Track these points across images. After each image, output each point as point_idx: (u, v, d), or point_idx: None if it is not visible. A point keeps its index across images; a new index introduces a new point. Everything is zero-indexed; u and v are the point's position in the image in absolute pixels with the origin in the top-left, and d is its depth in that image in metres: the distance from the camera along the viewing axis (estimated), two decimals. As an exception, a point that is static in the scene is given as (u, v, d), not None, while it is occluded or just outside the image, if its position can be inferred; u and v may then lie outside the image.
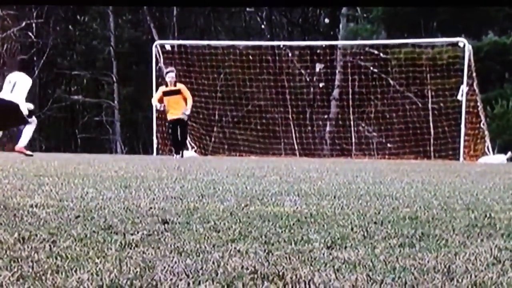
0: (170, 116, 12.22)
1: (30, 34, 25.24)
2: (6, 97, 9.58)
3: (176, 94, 12.09)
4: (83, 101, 26.93)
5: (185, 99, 12.11)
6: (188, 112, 12.18)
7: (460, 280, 1.62)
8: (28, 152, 10.57)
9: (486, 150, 14.74)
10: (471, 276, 1.65)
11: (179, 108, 12.05)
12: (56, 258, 1.78)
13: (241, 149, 16.24)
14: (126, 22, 27.38)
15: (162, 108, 12.29)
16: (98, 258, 1.79)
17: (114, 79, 25.95)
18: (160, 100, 12.21)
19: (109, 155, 19.55)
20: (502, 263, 1.82)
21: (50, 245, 1.98)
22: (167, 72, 12.41)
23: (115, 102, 25.89)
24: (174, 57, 17.21)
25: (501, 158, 14.13)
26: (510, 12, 19.78)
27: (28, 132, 10.37)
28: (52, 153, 16.33)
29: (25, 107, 9.76)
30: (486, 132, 15.04)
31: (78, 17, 26.80)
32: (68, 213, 2.75)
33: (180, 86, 12.31)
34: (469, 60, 15.11)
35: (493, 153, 14.83)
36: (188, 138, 16.37)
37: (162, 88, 12.29)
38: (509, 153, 14.30)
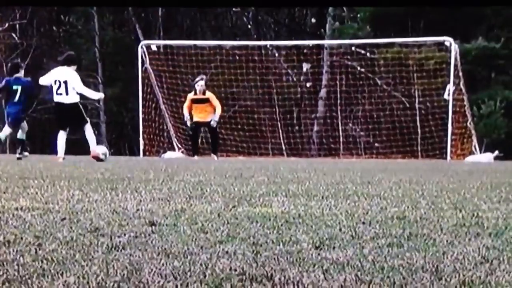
0: (195, 118, 12.28)
1: (14, 35, 25.03)
2: (64, 100, 9.51)
3: (204, 103, 12.22)
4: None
5: (213, 108, 12.15)
6: (216, 119, 12.28)
7: (448, 280, 1.62)
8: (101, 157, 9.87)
9: (473, 149, 14.86)
10: (459, 275, 1.65)
11: (206, 114, 12.11)
12: (42, 262, 1.76)
13: (228, 149, 16.22)
14: (111, 22, 27.26)
15: (189, 118, 12.35)
16: (84, 261, 1.77)
17: (100, 80, 25.82)
18: (190, 108, 12.24)
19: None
20: (490, 262, 1.83)
21: (35, 248, 1.96)
22: (197, 80, 12.49)
23: (101, 103, 25.77)
24: (160, 58, 17.16)
25: (488, 157, 14.23)
26: (496, 10, 19.95)
27: (91, 135, 9.95)
28: (37, 155, 16.21)
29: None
30: (473, 131, 15.16)
31: (62, 17, 26.63)
32: (54, 215, 2.72)
33: (209, 94, 12.45)
34: (456, 59, 15.21)
35: (480, 152, 14.95)
36: (175, 140, 16.33)
37: (191, 96, 12.41)
38: (496, 152, 14.42)
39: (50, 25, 27.25)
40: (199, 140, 13.71)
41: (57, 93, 9.57)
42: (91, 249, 1.96)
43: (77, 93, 9.62)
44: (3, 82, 11.08)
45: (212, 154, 12.58)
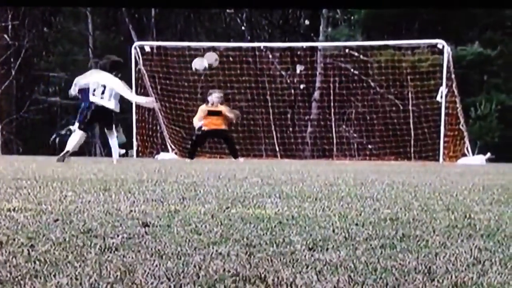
0: (205, 127, 12.22)
1: (6, 36, 24.93)
2: (105, 104, 9.55)
3: (217, 115, 12.21)
4: (61, 103, 26.69)
5: (225, 119, 12.16)
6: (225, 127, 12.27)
7: (440, 281, 1.63)
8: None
9: (466, 151, 14.92)
10: (451, 277, 1.66)
11: (218, 123, 12.12)
12: (35, 263, 1.76)
13: (222, 151, 16.22)
14: (105, 23, 27.19)
15: (200, 126, 12.29)
16: (77, 262, 1.76)
17: (93, 80, 25.74)
18: (200, 119, 12.21)
19: (88, 157, 19.39)
20: (482, 264, 1.84)
21: (28, 250, 1.95)
22: (213, 92, 12.46)
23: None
24: (153, 59, 17.14)
25: (481, 159, 14.29)
26: (489, 12, 20.05)
27: (115, 144, 9.96)
28: (30, 156, 16.14)
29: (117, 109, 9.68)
30: (466, 133, 15.23)
31: (55, 18, 26.54)
32: (47, 216, 2.72)
33: (221, 108, 12.38)
34: (448, 62, 15.28)
35: (473, 154, 15.01)
36: (169, 141, 16.31)
37: (204, 107, 12.34)
38: (488, 154, 14.48)
39: (43, 26, 27.15)
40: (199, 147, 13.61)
41: (94, 94, 9.59)
42: (84, 250, 1.95)
43: (117, 101, 9.67)
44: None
45: (237, 159, 12.35)
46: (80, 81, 10.00)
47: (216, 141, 14.88)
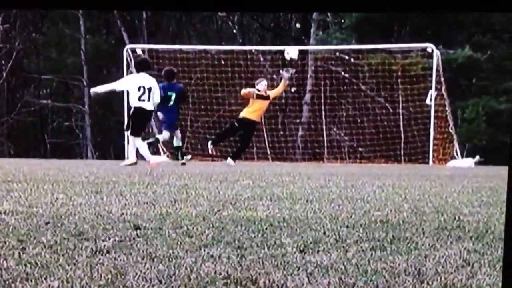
0: (244, 114, 11.96)
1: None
2: (146, 106, 9.46)
3: (266, 100, 12.15)
4: (52, 106, 26.57)
5: (264, 109, 12.17)
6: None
7: (430, 283, 1.64)
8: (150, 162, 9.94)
9: (455, 153, 15.00)
10: (441, 279, 1.68)
11: (259, 112, 11.98)
12: (26, 266, 1.75)
13: (213, 154, 16.19)
14: (97, 25, 27.12)
15: (251, 92, 12.02)
16: (68, 265, 1.76)
17: (85, 83, 25.67)
18: (250, 94, 11.90)
19: (80, 160, 19.30)
20: (471, 265, 1.85)
21: (19, 252, 1.95)
22: (259, 82, 12.42)
23: (86, 106, 25.61)
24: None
25: (470, 161, 14.37)
26: (478, 16, 20.20)
27: (142, 147, 9.85)
28: (21, 159, 16.04)
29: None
30: (455, 136, 15.32)
31: (47, 20, 26.44)
32: (38, 219, 2.71)
33: (269, 93, 12.37)
34: (438, 65, 15.38)
35: (462, 157, 15.09)
36: (161, 143, 16.26)
37: (255, 90, 12.26)
38: (477, 157, 14.56)
39: (35, 28, 27.03)
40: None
41: (139, 99, 9.48)
42: (75, 253, 1.95)
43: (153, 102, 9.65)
44: (160, 88, 11.40)
45: (230, 159, 12.07)
46: (122, 86, 9.86)
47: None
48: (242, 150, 12.76)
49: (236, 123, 12.25)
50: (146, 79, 9.53)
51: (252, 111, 11.98)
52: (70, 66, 26.26)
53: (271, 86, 13.94)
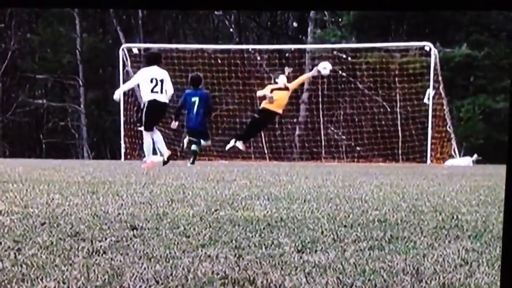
0: (264, 104, 11.94)
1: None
2: (160, 98, 9.33)
3: (285, 90, 12.10)
4: (48, 106, 26.53)
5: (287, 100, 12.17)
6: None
7: (428, 282, 1.63)
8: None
9: (453, 152, 15.02)
10: (439, 278, 1.67)
11: (279, 102, 11.93)
12: (22, 266, 1.74)
13: (210, 153, 16.20)
14: (92, 24, 27.08)
15: (271, 95, 12.06)
16: (64, 266, 1.75)
17: (80, 82, 25.64)
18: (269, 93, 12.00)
19: (76, 160, 19.28)
20: (470, 264, 1.85)
21: (15, 253, 1.93)
22: (280, 75, 12.44)
23: (81, 106, 25.57)
24: (141, 61, 17.08)
25: (467, 160, 14.39)
26: (474, 15, 20.23)
27: (160, 144, 9.78)
28: (16, 159, 16.01)
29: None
30: (453, 135, 15.34)
31: (42, 20, 26.40)
32: (34, 220, 2.69)
33: (288, 85, 12.33)
34: (435, 64, 15.39)
35: (460, 156, 15.11)
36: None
37: (270, 86, 12.25)
38: (475, 156, 14.58)
39: (30, 27, 26.99)
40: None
41: (152, 91, 9.35)
42: (72, 253, 1.94)
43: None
44: (183, 95, 11.28)
45: (239, 142, 12.07)
46: (134, 83, 9.71)
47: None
48: (250, 134, 12.72)
49: (256, 115, 12.28)
50: (158, 71, 9.42)
51: (270, 102, 12.04)
52: (65, 66, 26.22)
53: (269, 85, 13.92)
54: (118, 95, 10.15)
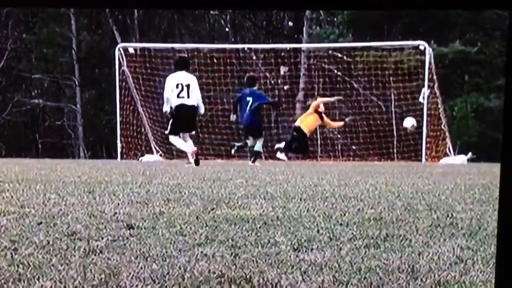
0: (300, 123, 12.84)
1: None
2: (187, 102, 9.45)
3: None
4: (44, 105, 26.45)
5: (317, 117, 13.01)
6: None
7: (424, 280, 1.65)
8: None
9: (448, 151, 15.05)
10: (434, 276, 1.68)
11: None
12: (18, 266, 1.74)
13: (206, 152, 16.18)
14: (88, 24, 27.02)
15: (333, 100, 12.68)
16: (61, 266, 1.75)
17: (76, 82, 25.58)
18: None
19: (72, 160, 19.25)
20: (465, 262, 1.86)
21: (11, 253, 1.94)
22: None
23: (78, 106, 25.51)
24: (137, 60, 17.06)
25: (462, 159, 14.43)
26: (469, 16, 20.28)
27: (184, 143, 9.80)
28: (12, 159, 15.96)
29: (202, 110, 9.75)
30: (447, 134, 15.37)
31: (39, 20, 26.32)
32: (30, 219, 2.69)
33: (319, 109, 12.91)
34: (430, 63, 15.42)
35: (454, 154, 15.15)
36: (153, 142, 16.24)
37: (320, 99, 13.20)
38: (469, 154, 14.62)
39: (26, 27, 26.91)
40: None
41: (178, 96, 9.47)
42: (68, 253, 1.94)
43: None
44: (239, 94, 11.59)
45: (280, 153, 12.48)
46: (168, 92, 9.67)
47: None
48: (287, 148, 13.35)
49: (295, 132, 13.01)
50: (184, 76, 9.56)
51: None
52: (61, 66, 26.16)
53: (263, 85, 14.04)
54: (166, 109, 9.82)
